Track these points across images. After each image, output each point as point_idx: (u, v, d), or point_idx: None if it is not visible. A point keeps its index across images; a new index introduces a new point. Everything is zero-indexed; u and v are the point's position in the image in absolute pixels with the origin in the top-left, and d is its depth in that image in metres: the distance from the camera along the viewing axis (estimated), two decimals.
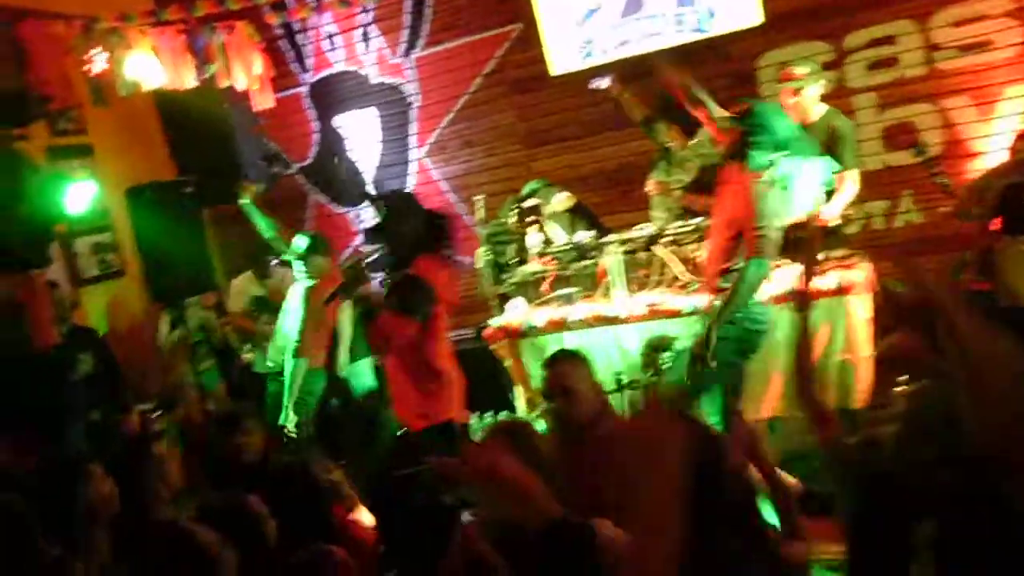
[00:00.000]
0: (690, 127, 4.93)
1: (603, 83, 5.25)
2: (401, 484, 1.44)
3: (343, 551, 2.38)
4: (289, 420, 4.88)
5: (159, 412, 5.49)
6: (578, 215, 5.40)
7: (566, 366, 3.03)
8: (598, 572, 1.42)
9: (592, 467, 2.66)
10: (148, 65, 5.45)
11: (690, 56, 5.65)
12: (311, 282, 5.06)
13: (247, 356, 6.45)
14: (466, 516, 2.28)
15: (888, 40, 5.38)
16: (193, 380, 6.01)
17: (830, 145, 4.66)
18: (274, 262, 6.25)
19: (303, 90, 7.11)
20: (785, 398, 4.25)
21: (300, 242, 5.16)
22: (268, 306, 6.19)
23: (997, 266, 4.59)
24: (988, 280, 4.61)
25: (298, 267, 5.19)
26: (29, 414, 4.96)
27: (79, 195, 5.00)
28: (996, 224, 4.66)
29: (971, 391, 1.69)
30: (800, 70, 4.66)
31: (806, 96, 4.64)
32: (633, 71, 5.39)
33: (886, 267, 4.47)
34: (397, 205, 4.03)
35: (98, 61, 5.31)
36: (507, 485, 1.36)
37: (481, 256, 5.56)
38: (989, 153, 5.13)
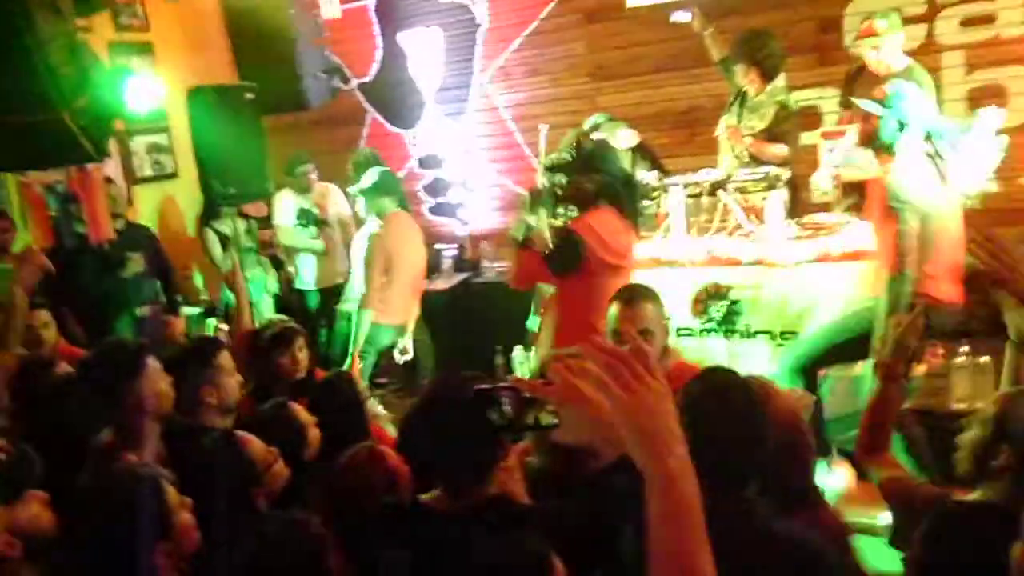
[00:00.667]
0: (768, 72, 4.75)
1: (686, 17, 5.06)
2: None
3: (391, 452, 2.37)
4: (349, 366, 4.87)
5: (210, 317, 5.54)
6: (640, 154, 5.24)
7: (648, 305, 2.94)
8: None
9: None
10: None
11: None
12: (377, 226, 4.99)
13: (291, 270, 6.47)
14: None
15: None
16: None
17: None
18: (312, 175, 6.21)
19: (369, 3, 6.94)
20: None
21: (367, 178, 5.09)
22: (314, 218, 6.17)
23: None
24: None
25: (360, 204, 5.15)
26: (80, 306, 5.03)
27: (141, 93, 4.93)
28: None
29: None
30: (879, 25, 4.44)
31: (886, 50, 4.44)
32: (714, 8, 5.16)
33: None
34: (592, 152, 3.83)
35: None
36: (592, 410, 1.26)
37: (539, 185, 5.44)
38: None
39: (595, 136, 5.20)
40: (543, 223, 3.68)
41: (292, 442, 2.61)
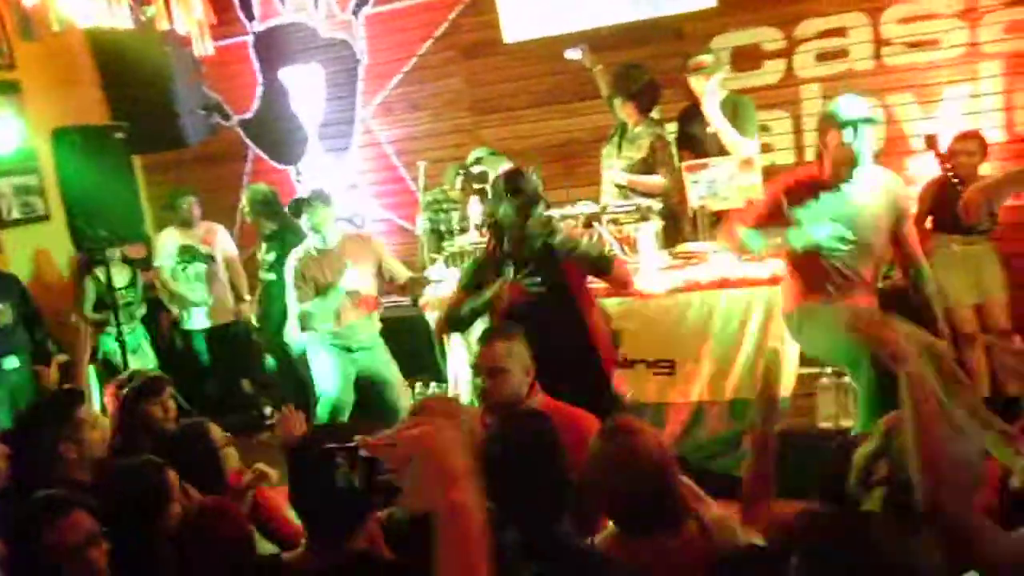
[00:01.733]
0: (644, 105, 4.91)
1: (576, 54, 5.20)
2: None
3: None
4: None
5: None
6: None
7: (499, 344, 2.96)
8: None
9: None
10: (82, 1, 5.19)
11: (642, 34, 5.62)
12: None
13: (174, 311, 6.31)
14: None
15: (839, 32, 5.39)
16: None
17: (732, 120, 4.72)
18: (196, 209, 6.09)
19: (248, 40, 6.88)
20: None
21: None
22: (197, 254, 6.05)
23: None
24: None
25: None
26: None
27: (3, 133, 4.77)
28: (928, 223, 4.77)
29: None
30: (705, 59, 4.80)
31: (712, 84, 4.69)
32: (589, 45, 5.31)
33: None
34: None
35: None
36: (440, 470, 1.18)
37: (421, 222, 5.47)
38: (928, 152, 5.18)
39: (476, 169, 5.28)
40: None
41: (152, 503, 2.51)
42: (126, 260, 5.98)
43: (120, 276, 5.72)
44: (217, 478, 2.74)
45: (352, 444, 1.25)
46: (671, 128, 5.19)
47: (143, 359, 5.79)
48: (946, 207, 4.63)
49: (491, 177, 5.23)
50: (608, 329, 3.98)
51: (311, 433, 2.74)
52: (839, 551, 1.53)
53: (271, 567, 2.13)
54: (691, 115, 4.98)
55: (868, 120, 3.47)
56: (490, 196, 3.89)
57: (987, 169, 4.71)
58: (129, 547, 2.17)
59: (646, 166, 4.92)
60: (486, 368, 2.89)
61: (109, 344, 5.71)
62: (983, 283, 4.67)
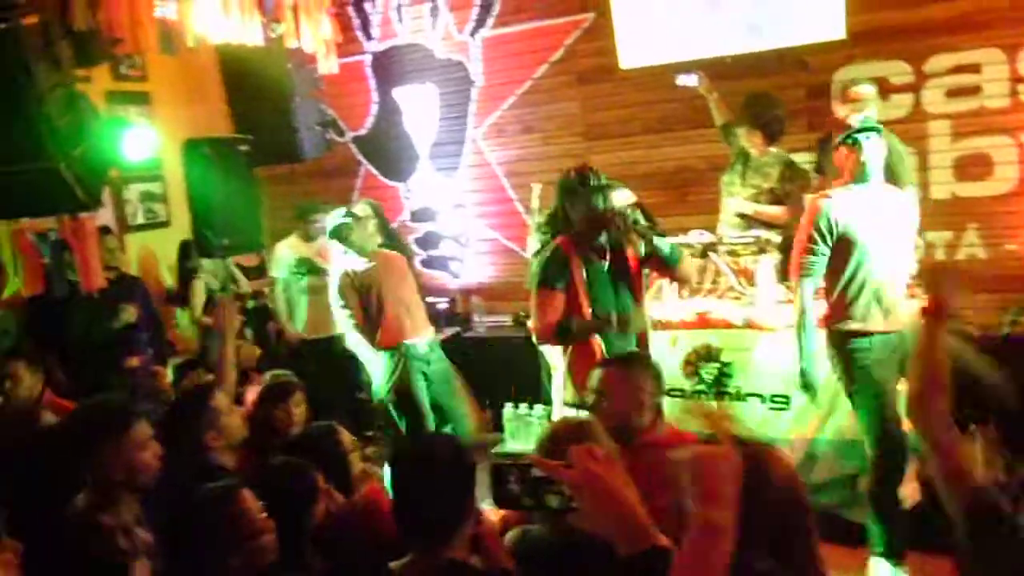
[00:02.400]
0: (772, 134, 4.83)
1: (691, 80, 5.15)
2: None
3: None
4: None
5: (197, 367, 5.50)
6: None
7: (616, 370, 2.94)
8: None
9: (637, 473, 2.57)
10: (216, 18, 5.40)
11: (767, 64, 5.54)
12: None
13: (282, 323, 6.45)
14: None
15: (972, 68, 5.22)
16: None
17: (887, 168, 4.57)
18: (319, 224, 6.22)
19: (365, 59, 7.04)
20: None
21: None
22: (312, 267, 6.17)
23: None
24: None
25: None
26: (68, 356, 5.00)
27: (138, 142, 4.96)
28: None
29: None
30: (864, 91, 4.58)
31: (865, 116, 4.55)
32: (707, 73, 5.26)
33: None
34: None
35: (168, 9, 5.27)
36: (613, 499, 1.30)
37: (532, 244, 5.48)
38: None
39: None
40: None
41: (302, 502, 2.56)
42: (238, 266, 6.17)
43: (217, 276, 5.91)
44: (344, 481, 2.79)
45: (526, 463, 1.38)
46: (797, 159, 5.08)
47: None
48: None
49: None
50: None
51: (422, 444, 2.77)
52: None
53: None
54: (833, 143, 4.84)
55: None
56: (561, 192, 3.89)
57: None
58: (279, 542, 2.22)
59: (773, 196, 4.83)
60: (601, 392, 2.87)
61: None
62: None
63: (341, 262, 5.05)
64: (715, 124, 5.25)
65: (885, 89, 5.39)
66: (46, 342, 5.00)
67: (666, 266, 3.83)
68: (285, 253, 6.12)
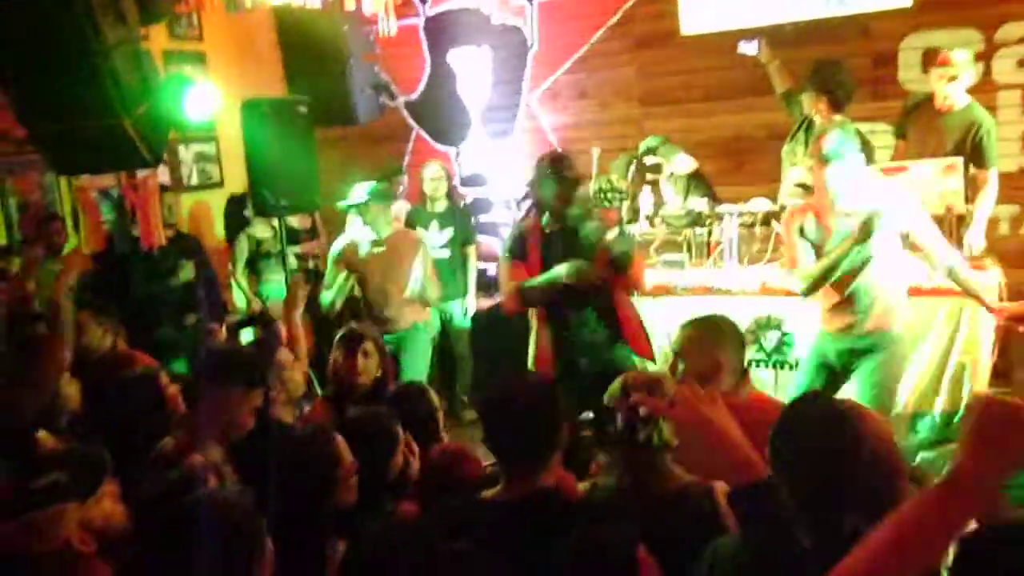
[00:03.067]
0: (839, 101, 4.75)
1: (752, 48, 5.08)
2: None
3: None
4: None
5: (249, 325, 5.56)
6: (696, 181, 5.25)
7: (692, 332, 2.91)
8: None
9: None
10: None
11: (831, 31, 5.44)
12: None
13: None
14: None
15: None
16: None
17: (966, 139, 4.48)
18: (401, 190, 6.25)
19: (419, 22, 7.00)
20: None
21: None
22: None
23: None
24: None
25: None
26: (127, 311, 5.06)
27: (199, 101, 4.97)
28: None
29: None
30: (958, 57, 4.44)
31: (959, 84, 4.45)
32: (770, 40, 5.18)
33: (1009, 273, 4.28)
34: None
35: None
36: (715, 437, 1.33)
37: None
38: None
39: (649, 160, 5.22)
40: None
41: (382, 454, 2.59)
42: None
43: (264, 230, 5.94)
44: (433, 438, 2.83)
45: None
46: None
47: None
48: None
49: (665, 169, 5.18)
50: (639, 323, 3.94)
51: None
52: None
53: (472, 504, 2.20)
54: (920, 110, 4.77)
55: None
56: (534, 174, 3.94)
57: None
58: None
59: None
60: (682, 353, 2.87)
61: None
62: None
63: (353, 230, 5.07)
64: (776, 92, 5.17)
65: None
66: (107, 297, 5.07)
67: (615, 271, 3.77)
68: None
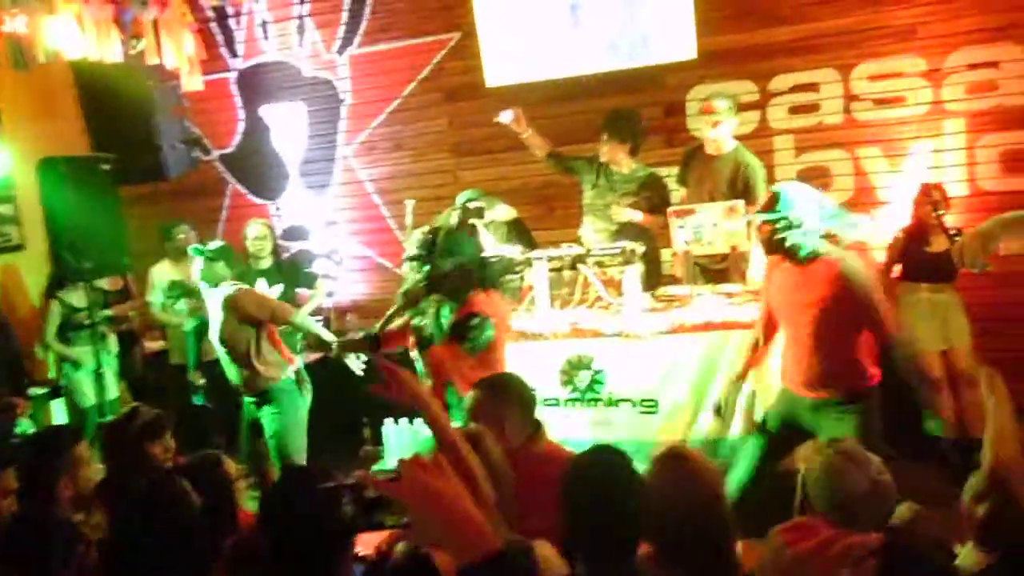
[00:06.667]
0: (636, 149, 5.12)
1: (508, 116, 5.30)
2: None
3: None
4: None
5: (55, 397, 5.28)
6: (516, 228, 5.43)
7: (479, 393, 3.01)
8: None
9: (519, 489, 2.65)
10: (71, 34, 5.21)
11: (624, 83, 5.81)
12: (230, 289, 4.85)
13: (155, 345, 6.26)
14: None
15: (811, 87, 5.64)
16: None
17: (736, 180, 4.89)
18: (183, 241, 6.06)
19: (231, 76, 6.94)
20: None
21: (213, 244, 4.95)
22: (186, 289, 6.00)
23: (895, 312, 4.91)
24: None
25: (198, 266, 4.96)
26: None
27: None
28: (898, 272, 4.98)
29: None
30: (719, 105, 4.87)
31: (722, 130, 4.87)
32: (569, 90, 5.48)
33: None
34: (443, 244, 3.95)
35: (18, 23, 5.05)
36: (444, 510, 1.23)
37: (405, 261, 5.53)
38: (894, 203, 5.43)
39: (473, 205, 5.35)
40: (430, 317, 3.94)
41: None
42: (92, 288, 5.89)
43: (81, 299, 5.66)
44: (230, 510, 2.77)
45: (357, 483, 1.31)
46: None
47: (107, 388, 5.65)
48: (914, 256, 4.87)
49: (487, 216, 5.33)
50: None
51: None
52: None
53: None
54: (695, 158, 5.14)
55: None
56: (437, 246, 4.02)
57: (949, 221, 4.94)
58: None
59: (650, 204, 5.08)
60: (479, 417, 2.89)
61: (73, 373, 5.59)
62: (950, 330, 4.86)
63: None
64: (539, 157, 5.44)
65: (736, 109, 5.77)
66: None
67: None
68: (157, 278, 5.95)
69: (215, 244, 4.83)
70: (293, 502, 2.07)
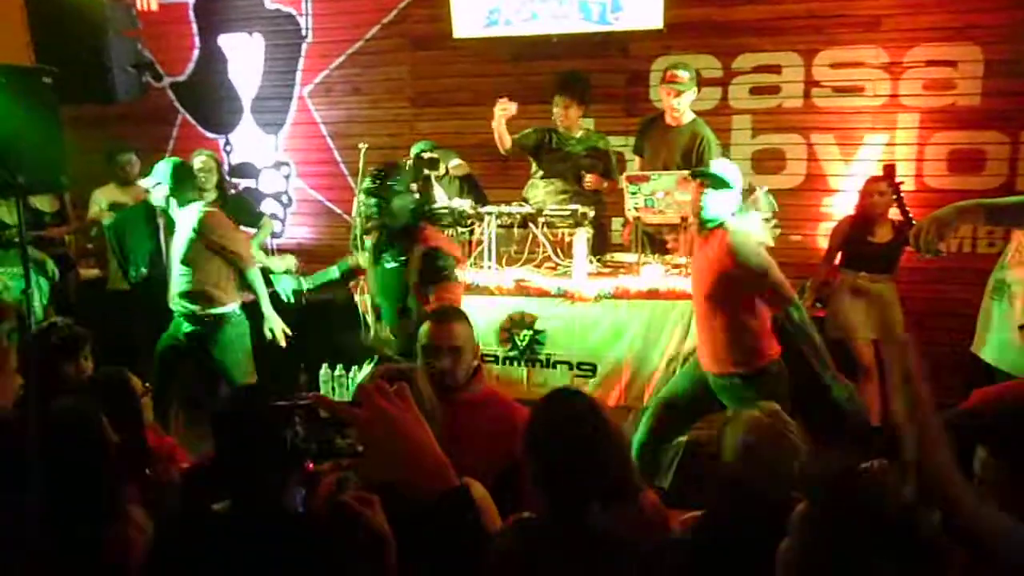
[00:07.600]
0: (586, 108, 5.16)
1: (508, 110, 5.18)
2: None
3: None
4: None
5: None
6: (469, 183, 5.39)
7: (456, 324, 2.98)
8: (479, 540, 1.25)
9: (453, 429, 2.64)
10: None
11: (590, 47, 5.77)
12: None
13: (90, 272, 6.11)
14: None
15: (774, 68, 5.67)
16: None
17: (691, 151, 4.92)
18: (135, 166, 5.90)
19: (189, 1, 6.72)
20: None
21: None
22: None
23: (832, 297, 5.01)
24: (823, 308, 5.03)
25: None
26: None
27: None
28: (838, 259, 5.07)
29: None
30: (682, 74, 4.87)
31: (683, 100, 4.88)
32: (532, 51, 5.42)
33: None
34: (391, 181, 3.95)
35: None
36: (404, 440, 1.14)
37: (356, 206, 5.45)
38: (844, 192, 5.51)
39: (427, 155, 5.30)
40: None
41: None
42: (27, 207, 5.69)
43: (11, 215, 5.47)
44: (136, 427, 2.75)
45: (310, 404, 1.18)
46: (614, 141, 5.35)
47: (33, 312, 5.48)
48: (856, 245, 4.96)
49: (441, 168, 5.29)
50: None
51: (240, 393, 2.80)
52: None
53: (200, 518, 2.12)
54: (652, 127, 5.15)
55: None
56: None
57: (893, 213, 5.03)
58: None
59: (596, 171, 5.08)
60: (448, 347, 2.89)
61: None
62: (884, 319, 4.97)
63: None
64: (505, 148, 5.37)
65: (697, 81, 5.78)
66: None
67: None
68: (101, 198, 5.80)
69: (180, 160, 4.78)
70: (242, 416, 2.05)
